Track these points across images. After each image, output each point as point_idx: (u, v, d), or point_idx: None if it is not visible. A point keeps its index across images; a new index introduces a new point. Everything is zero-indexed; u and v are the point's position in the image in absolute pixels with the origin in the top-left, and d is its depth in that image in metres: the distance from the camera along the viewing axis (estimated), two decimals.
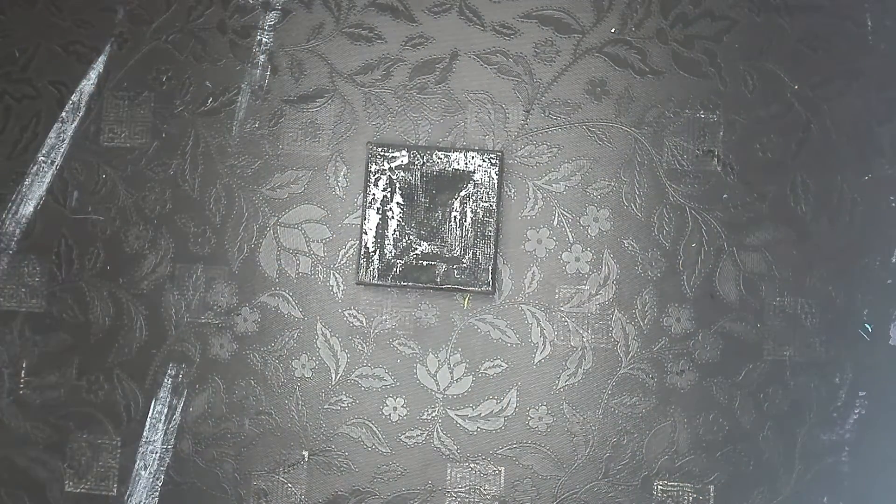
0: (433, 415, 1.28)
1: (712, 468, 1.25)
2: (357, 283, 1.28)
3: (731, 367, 1.25)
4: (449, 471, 1.27)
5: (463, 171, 1.27)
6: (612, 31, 1.29)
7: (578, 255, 1.28)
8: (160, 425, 1.29)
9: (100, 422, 1.30)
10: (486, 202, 1.27)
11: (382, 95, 1.31)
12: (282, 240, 1.30)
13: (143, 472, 1.29)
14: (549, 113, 1.29)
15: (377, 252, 1.27)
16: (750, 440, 1.24)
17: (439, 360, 1.28)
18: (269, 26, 1.33)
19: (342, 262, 1.30)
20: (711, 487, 1.25)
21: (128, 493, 1.29)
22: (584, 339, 1.27)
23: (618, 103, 1.29)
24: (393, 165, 1.28)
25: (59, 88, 1.34)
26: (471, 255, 1.26)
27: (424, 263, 1.27)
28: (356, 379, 1.29)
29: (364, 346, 1.29)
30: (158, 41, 1.34)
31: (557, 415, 1.27)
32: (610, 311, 1.27)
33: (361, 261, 1.27)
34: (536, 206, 1.28)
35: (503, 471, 1.27)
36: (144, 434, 1.30)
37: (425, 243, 1.27)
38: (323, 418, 1.29)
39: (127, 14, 1.34)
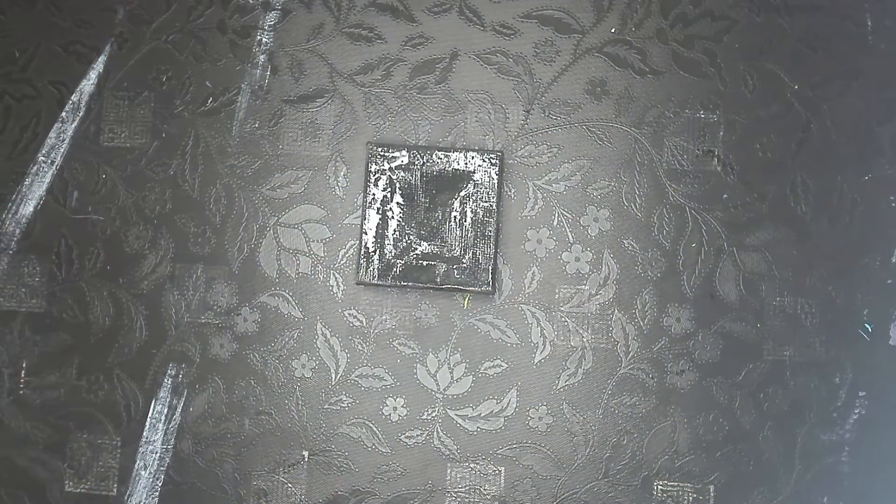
0: (433, 415, 1.28)
1: (712, 468, 1.25)
2: (357, 283, 1.28)
3: (731, 367, 1.25)
4: (449, 471, 1.27)
5: (463, 171, 1.27)
6: (612, 31, 1.29)
7: (578, 255, 1.28)
8: (160, 425, 1.29)
9: (100, 422, 1.30)
10: (486, 202, 1.27)
11: (382, 95, 1.31)
12: (282, 240, 1.31)
13: (143, 472, 1.29)
14: (549, 113, 1.29)
15: (377, 252, 1.27)
16: (750, 440, 1.24)
17: (439, 360, 1.28)
18: (269, 26, 1.33)
19: (342, 262, 1.30)
20: (711, 487, 1.25)
21: (128, 493, 1.29)
22: (584, 339, 1.27)
23: (618, 103, 1.29)
24: (393, 165, 1.28)
25: (59, 88, 1.34)
26: (471, 255, 1.26)
27: (424, 263, 1.27)
28: (356, 379, 1.29)
29: (364, 346, 1.29)
30: (158, 41, 1.34)
31: (557, 415, 1.27)
32: (610, 311, 1.27)
33: (361, 261, 1.27)
34: (536, 206, 1.28)
35: (503, 471, 1.27)
36: (144, 434, 1.30)
37: (425, 243, 1.27)
38: (323, 418, 1.29)
39: (127, 14, 1.34)
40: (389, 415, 1.28)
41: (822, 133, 1.27)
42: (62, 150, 1.33)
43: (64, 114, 1.33)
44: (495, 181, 1.27)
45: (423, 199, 1.28)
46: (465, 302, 1.28)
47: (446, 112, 1.30)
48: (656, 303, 1.26)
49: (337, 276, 1.30)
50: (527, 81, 1.30)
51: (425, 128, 1.30)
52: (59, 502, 1.30)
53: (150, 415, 1.30)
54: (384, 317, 1.29)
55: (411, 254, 1.27)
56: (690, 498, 1.25)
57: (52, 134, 1.33)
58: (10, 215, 1.33)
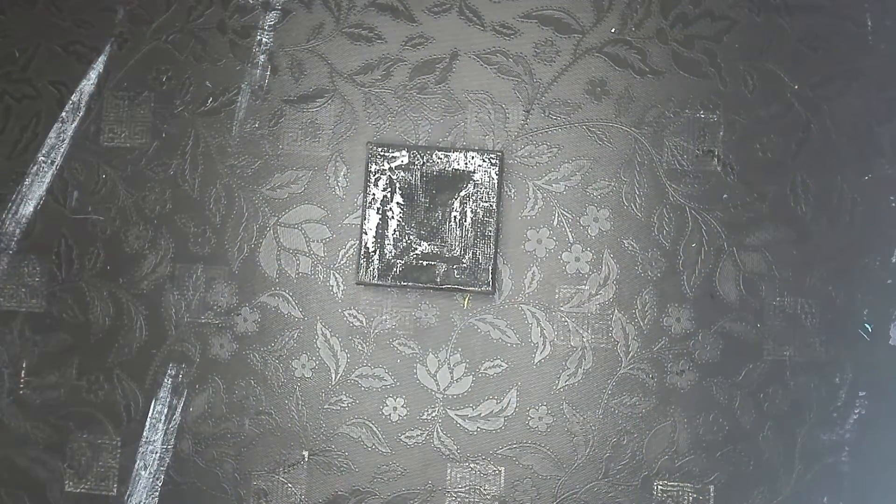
0: (433, 415, 1.28)
1: (712, 468, 1.25)
2: (357, 283, 1.28)
3: (731, 367, 1.25)
4: (449, 471, 1.27)
5: (463, 171, 1.27)
6: (612, 31, 1.29)
7: (578, 255, 1.28)
8: (160, 425, 1.29)
9: (100, 422, 1.30)
10: (486, 202, 1.27)
11: (382, 95, 1.31)
12: (282, 240, 1.30)
13: (143, 472, 1.29)
14: (549, 113, 1.29)
15: (377, 252, 1.27)
16: (750, 440, 1.24)
17: (439, 360, 1.28)
18: (269, 26, 1.33)
19: (342, 262, 1.30)
20: (711, 487, 1.25)
21: (128, 493, 1.29)
22: (584, 339, 1.27)
23: (618, 103, 1.29)
24: (393, 165, 1.28)
25: (59, 88, 1.34)
26: (471, 255, 1.26)
27: (424, 263, 1.27)
28: (356, 379, 1.29)
29: (364, 346, 1.29)
30: (158, 41, 1.34)
31: (557, 415, 1.26)
32: (610, 311, 1.27)
33: (361, 261, 1.27)
34: (536, 206, 1.28)
35: (503, 471, 1.27)
36: (144, 434, 1.30)
37: (425, 243, 1.27)
38: (323, 418, 1.28)
39: (127, 14, 1.34)
40: (389, 415, 1.28)
41: (822, 133, 1.27)
42: (62, 150, 1.33)
43: (64, 114, 1.33)
44: (495, 181, 1.27)
45: (423, 199, 1.28)
46: (465, 302, 1.28)
47: (446, 112, 1.30)
48: (656, 303, 1.26)
49: (337, 276, 1.30)
50: (527, 81, 1.30)
51: (425, 128, 1.30)
52: (59, 502, 1.30)
53: (150, 415, 1.30)
54: (384, 317, 1.29)
55: (411, 254, 1.27)
56: (690, 498, 1.25)
57: (52, 134, 1.33)
58: (10, 215, 1.33)
